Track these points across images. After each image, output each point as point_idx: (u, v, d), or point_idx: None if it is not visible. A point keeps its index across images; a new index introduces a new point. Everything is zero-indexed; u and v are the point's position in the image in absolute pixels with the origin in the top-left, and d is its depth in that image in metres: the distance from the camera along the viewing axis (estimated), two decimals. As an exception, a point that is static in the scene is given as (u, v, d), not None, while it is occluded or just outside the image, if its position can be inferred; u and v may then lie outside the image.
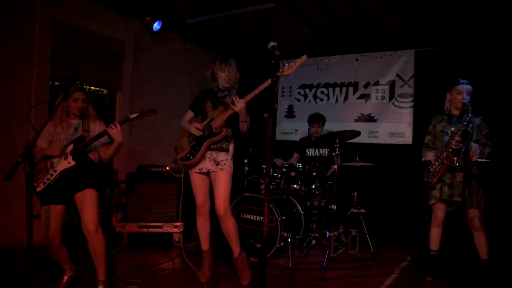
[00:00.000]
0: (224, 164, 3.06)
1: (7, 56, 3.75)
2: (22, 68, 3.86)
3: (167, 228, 4.19)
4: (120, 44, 4.83)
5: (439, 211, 3.27)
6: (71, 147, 2.70)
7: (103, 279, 2.75)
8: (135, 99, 5.04)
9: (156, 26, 4.88)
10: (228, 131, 3.08)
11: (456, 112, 3.23)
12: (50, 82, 4.12)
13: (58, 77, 4.18)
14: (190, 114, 3.28)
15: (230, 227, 3.06)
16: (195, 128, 3.05)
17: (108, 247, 2.76)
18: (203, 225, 3.26)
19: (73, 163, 2.65)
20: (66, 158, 2.67)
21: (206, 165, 3.08)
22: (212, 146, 3.06)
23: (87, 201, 2.70)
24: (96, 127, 2.88)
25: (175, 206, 4.22)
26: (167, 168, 4.37)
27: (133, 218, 4.18)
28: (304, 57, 2.53)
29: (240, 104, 2.84)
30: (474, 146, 3.00)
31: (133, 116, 2.77)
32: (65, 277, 2.88)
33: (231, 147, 3.17)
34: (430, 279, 3.31)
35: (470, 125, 3.05)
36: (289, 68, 2.55)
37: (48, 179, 2.64)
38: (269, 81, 2.55)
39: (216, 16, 4.88)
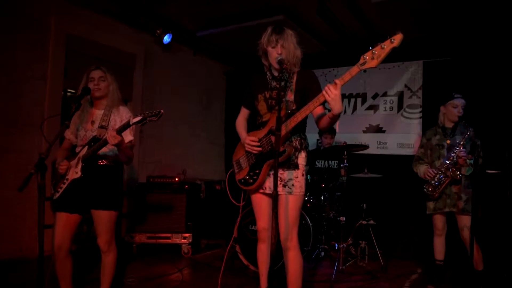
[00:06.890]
0: (293, 185, 2.32)
1: (23, 69, 3.85)
2: (37, 80, 3.96)
3: (176, 239, 4.20)
4: (131, 56, 4.93)
5: (438, 221, 3.31)
6: (84, 150, 2.45)
7: None
8: (145, 110, 5.08)
9: (167, 39, 4.96)
10: (295, 146, 2.33)
11: (449, 125, 3.31)
12: (63, 93, 4.21)
13: (70, 89, 4.28)
14: (244, 113, 2.60)
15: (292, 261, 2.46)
16: (251, 146, 2.35)
17: (117, 257, 2.68)
18: (262, 254, 2.54)
19: (79, 174, 2.42)
20: (76, 166, 2.44)
21: (271, 184, 2.30)
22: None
23: (102, 223, 2.53)
24: (117, 120, 2.54)
25: (184, 217, 4.24)
26: (176, 179, 4.39)
27: (142, 229, 4.20)
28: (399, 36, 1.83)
29: (335, 91, 2.04)
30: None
31: (134, 120, 2.32)
32: None
33: (302, 156, 2.36)
34: (431, 287, 3.31)
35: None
36: (373, 57, 1.93)
37: (61, 187, 2.47)
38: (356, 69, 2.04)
39: (226, 29, 4.95)
